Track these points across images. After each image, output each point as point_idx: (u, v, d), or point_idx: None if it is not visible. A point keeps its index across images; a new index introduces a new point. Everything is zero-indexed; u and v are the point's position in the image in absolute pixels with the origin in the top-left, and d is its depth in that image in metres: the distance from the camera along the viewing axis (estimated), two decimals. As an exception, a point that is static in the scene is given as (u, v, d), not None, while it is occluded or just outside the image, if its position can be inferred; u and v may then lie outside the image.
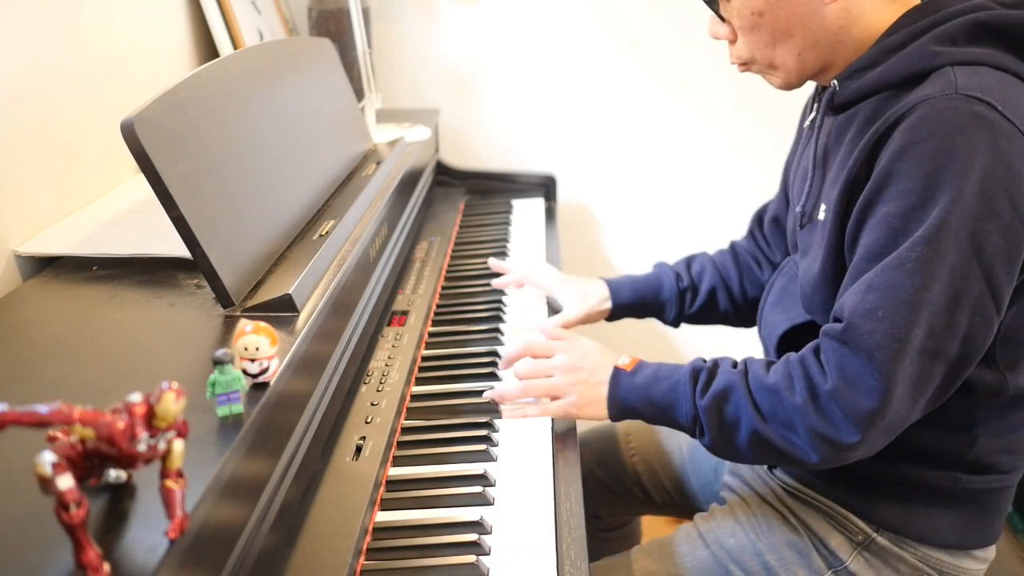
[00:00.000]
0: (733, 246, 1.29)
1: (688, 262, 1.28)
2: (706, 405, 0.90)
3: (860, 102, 0.90)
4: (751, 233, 1.28)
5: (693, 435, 0.93)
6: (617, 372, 0.97)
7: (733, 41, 0.95)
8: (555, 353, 1.01)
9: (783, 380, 0.87)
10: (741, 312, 1.25)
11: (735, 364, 0.94)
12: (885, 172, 0.82)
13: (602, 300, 1.25)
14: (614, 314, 1.27)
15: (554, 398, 0.99)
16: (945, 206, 0.78)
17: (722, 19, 0.95)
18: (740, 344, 1.72)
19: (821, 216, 0.93)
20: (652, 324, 1.34)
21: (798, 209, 1.00)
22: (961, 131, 0.77)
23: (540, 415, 0.99)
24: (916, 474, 0.94)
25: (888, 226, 0.81)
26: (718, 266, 1.26)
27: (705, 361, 0.95)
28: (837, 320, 0.86)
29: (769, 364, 0.91)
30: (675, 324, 1.28)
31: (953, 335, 0.81)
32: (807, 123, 1.04)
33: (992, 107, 0.78)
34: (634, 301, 1.26)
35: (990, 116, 0.77)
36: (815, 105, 1.01)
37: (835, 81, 0.91)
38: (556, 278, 1.30)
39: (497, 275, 1.37)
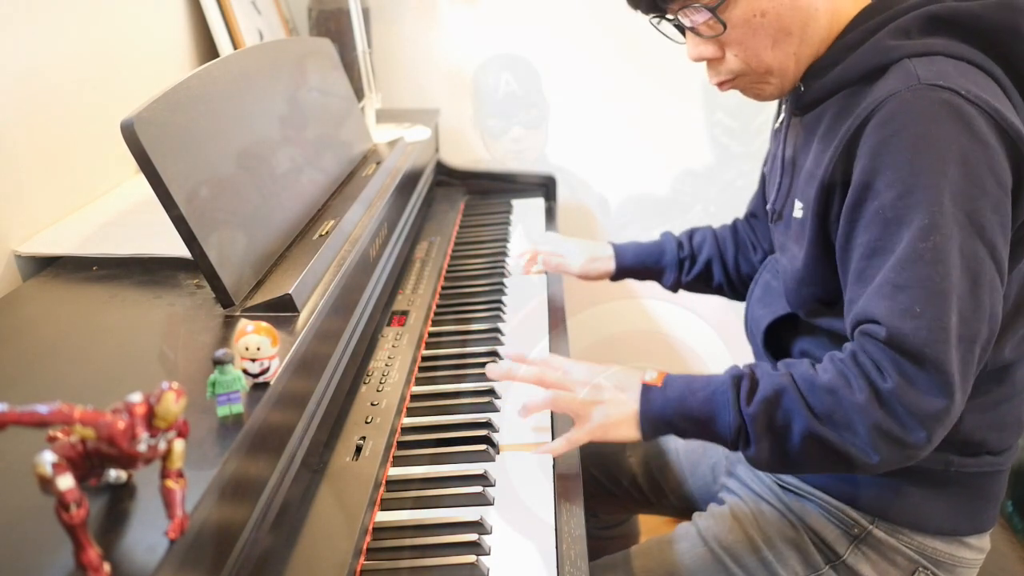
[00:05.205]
0: (735, 223, 1.33)
1: (691, 233, 1.35)
2: (754, 412, 0.85)
3: (825, 100, 0.92)
4: (746, 219, 1.32)
5: (736, 447, 0.88)
6: (647, 388, 0.91)
7: (719, 58, 0.94)
8: (570, 369, 0.95)
9: (838, 379, 0.83)
10: (734, 285, 1.30)
11: (774, 368, 0.90)
12: (868, 170, 0.83)
13: (607, 259, 1.33)
14: (617, 274, 1.34)
15: (576, 416, 0.93)
16: (933, 190, 0.80)
17: (718, 28, 0.93)
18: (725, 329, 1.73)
19: (798, 214, 0.95)
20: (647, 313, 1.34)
21: (769, 207, 1.04)
22: (933, 119, 0.80)
23: (568, 447, 0.92)
24: None
25: (882, 219, 0.83)
26: (718, 239, 1.31)
27: (741, 368, 0.91)
28: (862, 323, 0.84)
29: (812, 365, 0.88)
30: (673, 289, 1.34)
31: (980, 317, 0.82)
32: (775, 127, 1.08)
33: (956, 93, 0.80)
34: (636, 264, 1.33)
35: (955, 101, 0.80)
36: (781, 108, 1.05)
37: (800, 83, 0.94)
38: (562, 237, 1.39)
39: (500, 276, 1.39)
